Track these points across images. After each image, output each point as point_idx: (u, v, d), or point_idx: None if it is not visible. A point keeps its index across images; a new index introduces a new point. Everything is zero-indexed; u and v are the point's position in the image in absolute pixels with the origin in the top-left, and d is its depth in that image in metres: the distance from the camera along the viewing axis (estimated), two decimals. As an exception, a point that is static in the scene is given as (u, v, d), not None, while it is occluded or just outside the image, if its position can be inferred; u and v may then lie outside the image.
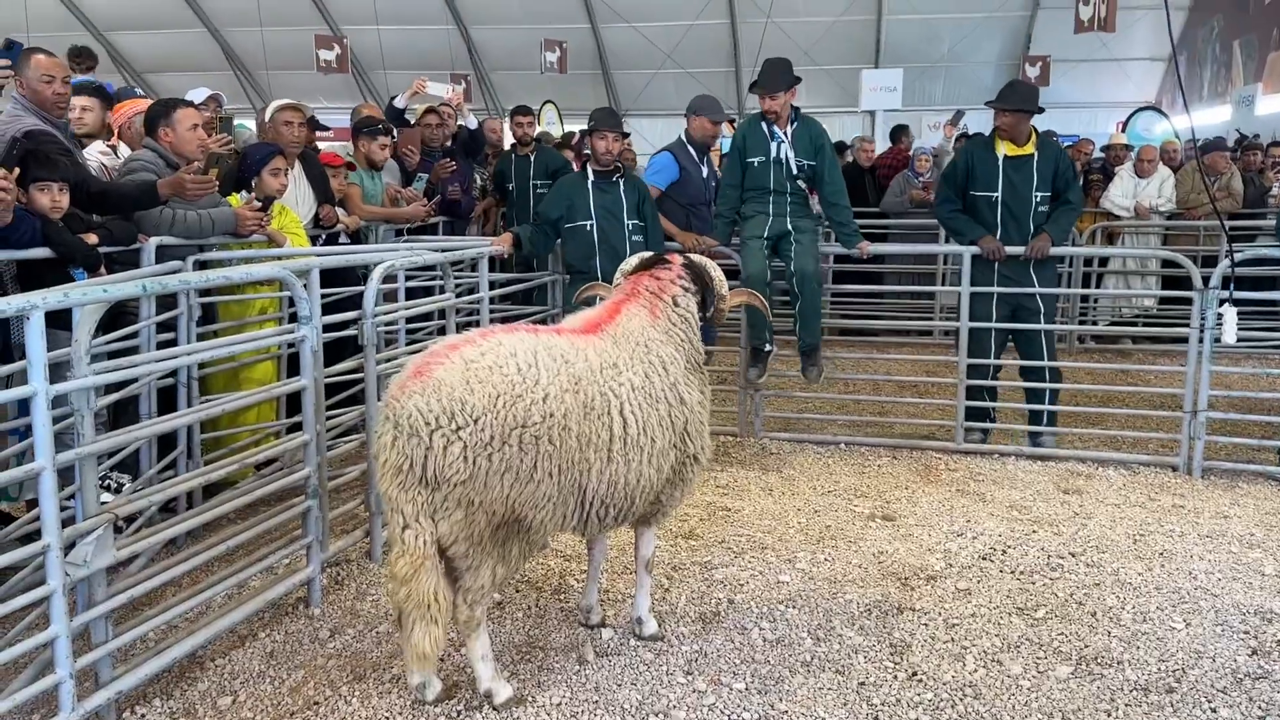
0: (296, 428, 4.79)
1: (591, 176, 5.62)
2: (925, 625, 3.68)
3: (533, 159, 7.28)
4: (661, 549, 4.36)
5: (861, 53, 18.34)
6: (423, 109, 7.07)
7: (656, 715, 3.08)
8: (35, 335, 2.59)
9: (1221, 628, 3.67)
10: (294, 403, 4.87)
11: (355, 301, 4.57)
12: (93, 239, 3.94)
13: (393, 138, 6.43)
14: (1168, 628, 3.69)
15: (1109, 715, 3.10)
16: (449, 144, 7.12)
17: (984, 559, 4.30)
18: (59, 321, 3.19)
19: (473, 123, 7.44)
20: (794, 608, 3.81)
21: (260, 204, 4.67)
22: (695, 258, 3.60)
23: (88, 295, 2.78)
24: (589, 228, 5.57)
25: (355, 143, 6.10)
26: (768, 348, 5.77)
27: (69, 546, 2.74)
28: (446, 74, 19.10)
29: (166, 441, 4.39)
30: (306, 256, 4.53)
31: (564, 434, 2.89)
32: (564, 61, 18.07)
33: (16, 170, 3.52)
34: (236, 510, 3.86)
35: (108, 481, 3.98)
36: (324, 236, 5.46)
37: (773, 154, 5.64)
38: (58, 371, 2.86)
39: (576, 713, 3.10)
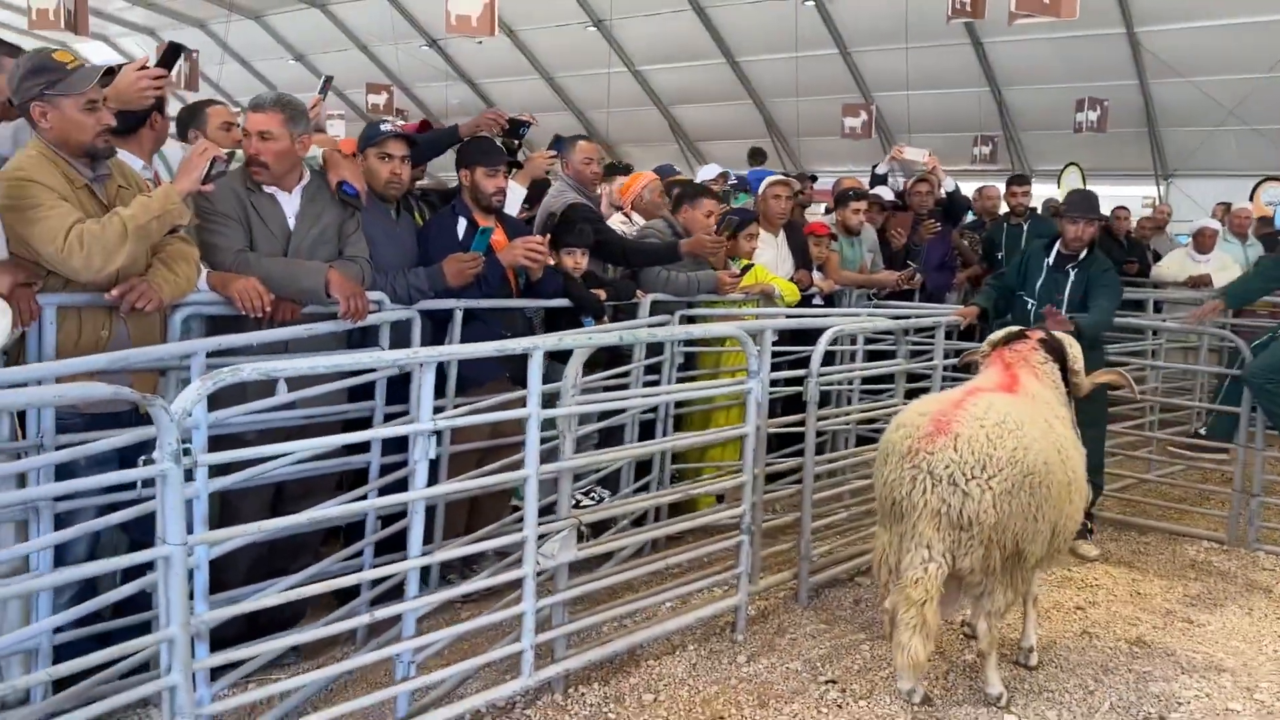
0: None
1: (1052, 257, 5.35)
2: (1405, 793, 3.12)
3: (1025, 227, 7.16)
4: (1098, 649, 4.14)
5: None
6: (913, 179, 7.30)
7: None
8: (535, 369, 3.27)
9: None
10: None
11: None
12: (602, 294, 4.77)
13: (881, 204, 6.78)
14: None
15: None
16: (934, 208, 7.26)
17: None
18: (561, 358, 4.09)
19: (950, 185, 7.46)
20: (1236, 737, 3.44)
21: (739, 271, 5.27)
22: (1056, 334, 4.06)
23: (577, 340, 3.46)
24: (1029, 307, 5.34)
25: (838, 211, 6.54)
26: None
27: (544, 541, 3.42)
28: (973, 135, 19.08)
29: (647, 468, 5.12)
30: (771, 319, 5.02)
31: (1051, 478, 3.37)
32: (1104, 120, 17.12)
33: (548, 236, 4.42)
34: (689, 532, 4.48)
35: (593, 493, 4.75)
36: (799, 298, 5.92)
37: None
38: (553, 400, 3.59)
39: (956, 785, 3.13)
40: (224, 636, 3.19)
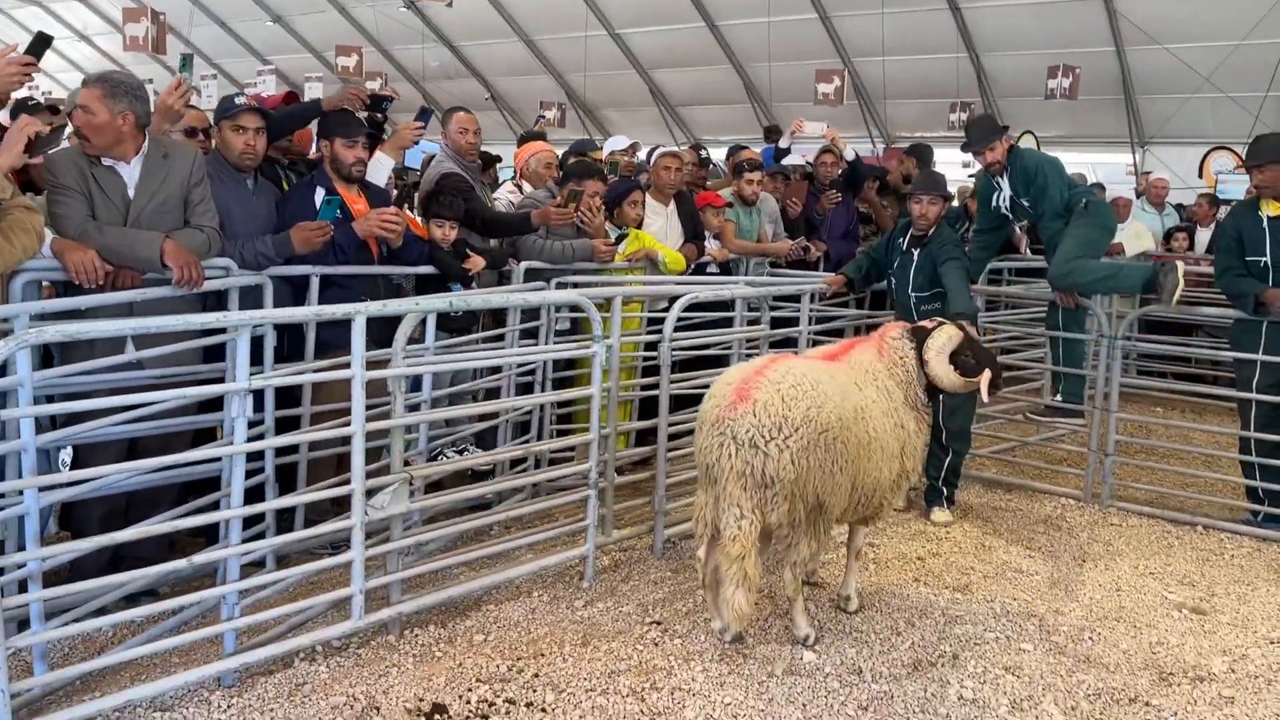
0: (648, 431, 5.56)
1: (905, 238, 5.47)
2: (1148, 725, 3.39)
3: None
4: (920, 595, 4.41)
5: None
6: (819, 150, 7.47)
7: (801, 736, 3.28)
8: (358, 334, 3.52)
9: None
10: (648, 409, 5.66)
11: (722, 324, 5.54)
12: (479, 263, 4.99)
13: (786, 175, 6.96)
14: None
15: None
16: (837, 179, 7.43)
17: (1284, 674, 3.75)
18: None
19: (850, 154, 7.57)
20: (1014, 675, 3.70)
21: (614, 240, 5.49)
22: (946, 326, 4.15)
23: (403, 307, 3.69)
24: (892, 285, 5.55)
25: (734, 181, 6.72)
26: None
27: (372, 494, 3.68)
28: (950, 101, 19.13)
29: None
30: (620, 286, 5.23)
31: (847, 434, 3.67)
32: (1076, 87, 17.16)
33: (406, 208, 4.65)
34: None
35: (463, 448, 5.00)
36: (693, 267, 6.13)
37: (993, 203, 5.71)
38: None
39: (737, 715, 3.40)
40: (87, 576, 3.48)
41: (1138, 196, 9.66)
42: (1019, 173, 5.60)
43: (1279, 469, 5.28)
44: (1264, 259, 5.10)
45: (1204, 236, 9.35)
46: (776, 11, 19.14)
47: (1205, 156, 15.99)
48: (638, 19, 20.96)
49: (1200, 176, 15.92)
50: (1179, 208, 10.09)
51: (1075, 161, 17.95)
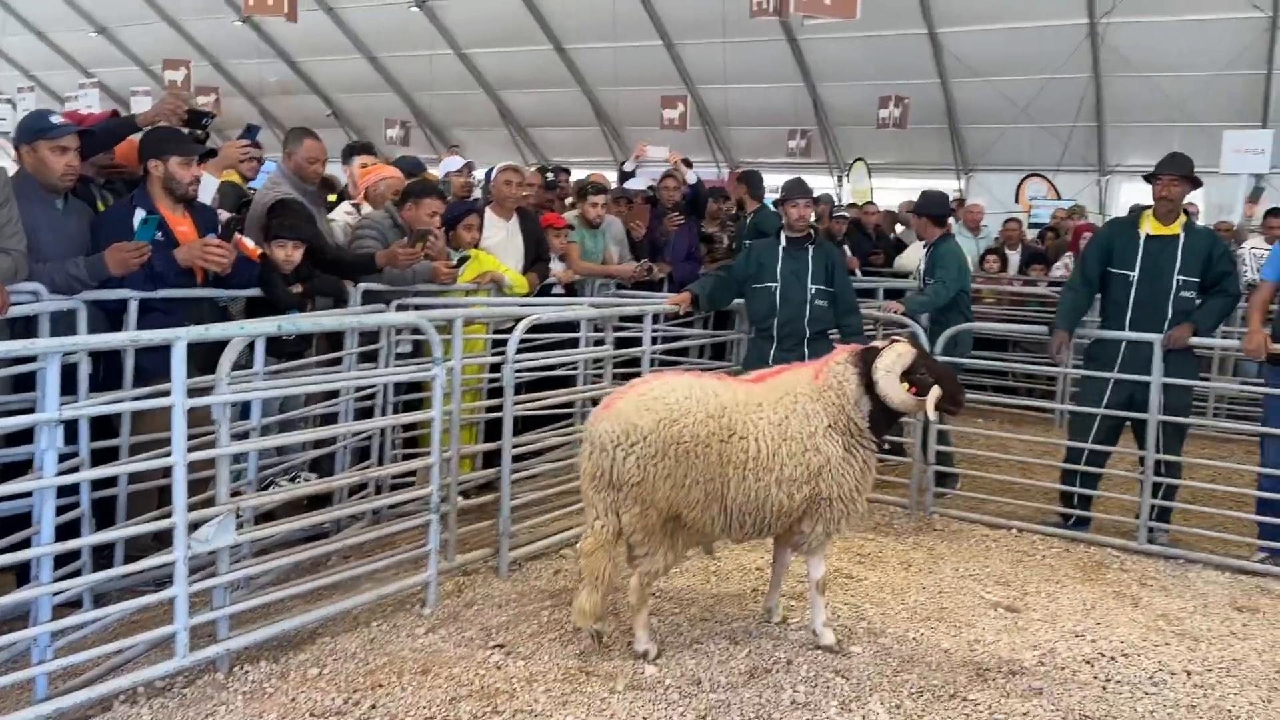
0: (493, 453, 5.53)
1: (783, 243, 5.80)
2: (967, 716, 3.58)
3: (748, 220, 7.60)
4: (758, 604, 4.52)
5: (1249, 110, 16.48)
6: (662, 175, 7.65)
7: (641, 750, 3.33)
8: (179, 360, 3.39)
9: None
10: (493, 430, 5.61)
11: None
12: (298, 292, 4.85)
13: (628, 198, 7.07)
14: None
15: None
16: (680, 202, 7.62)
17: (1087, 663, 4.04)
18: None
19: (692, 178, 7.78)
20: (844, 678, 3.85)
21: (455, 263, 5.47)
22: (897, 344, 3.98)
23: (227, 331, 3.58)
24: (773, 289, 5.74)
25: (579, 204, 6.81)
26: None
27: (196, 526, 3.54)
28: (788, 128, 19.86)
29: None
30: (481, 307, 5.23)
31: (706, 450, 3.74)
32: (906, 116, 18.06)
33: (237, 235, 4.51)
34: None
35: (296, 476, 4.86)
36: (538, 289, 6.15)
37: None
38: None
39: (580, 733, 3.42)
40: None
41: (955, 221, 10.23)
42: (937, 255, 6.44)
43: (1098, 477, 5.71)
44: (1132, 274, 5.43)
45: (1014, 258, 10.01)
46: (622, 37, 19.44)
47: (1021, 182, 17.05)
48: (484, 39, 20.90)
49: (1017, 201, 16.98)
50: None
51: (905, 188, 18.86)
